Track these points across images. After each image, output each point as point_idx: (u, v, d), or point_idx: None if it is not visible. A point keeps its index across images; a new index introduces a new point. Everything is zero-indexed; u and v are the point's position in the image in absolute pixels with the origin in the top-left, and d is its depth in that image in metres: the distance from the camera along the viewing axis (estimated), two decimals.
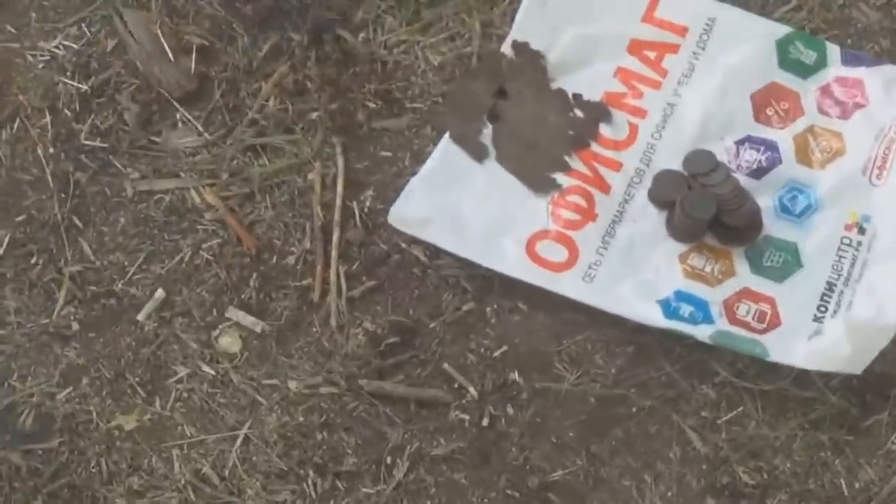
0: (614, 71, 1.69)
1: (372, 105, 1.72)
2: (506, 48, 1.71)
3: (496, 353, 1.58)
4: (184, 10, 1.80)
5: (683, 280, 1.57)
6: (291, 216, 1.67)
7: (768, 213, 1.59)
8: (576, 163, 1.64)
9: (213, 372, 1.60)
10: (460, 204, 1.63)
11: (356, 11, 1.77)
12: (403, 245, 1.64)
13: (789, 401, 1.52)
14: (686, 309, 1.55)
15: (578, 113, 1.67)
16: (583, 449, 1.53)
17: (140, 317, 1.64)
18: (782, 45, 1.67)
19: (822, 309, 1.54)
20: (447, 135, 1.67)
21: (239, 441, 1.57)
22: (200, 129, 1.73)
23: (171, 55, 1.76)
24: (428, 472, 1.54)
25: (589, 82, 1.69)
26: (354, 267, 1.63)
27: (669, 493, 1.51)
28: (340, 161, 1.68)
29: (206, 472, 1.56)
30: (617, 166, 1.63)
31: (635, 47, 1.71)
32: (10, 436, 1.59)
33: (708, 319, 1.54)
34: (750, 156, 1.62)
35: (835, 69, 1.66)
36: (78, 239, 1.69)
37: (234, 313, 1.63)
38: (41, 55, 1.80)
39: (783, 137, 1.63)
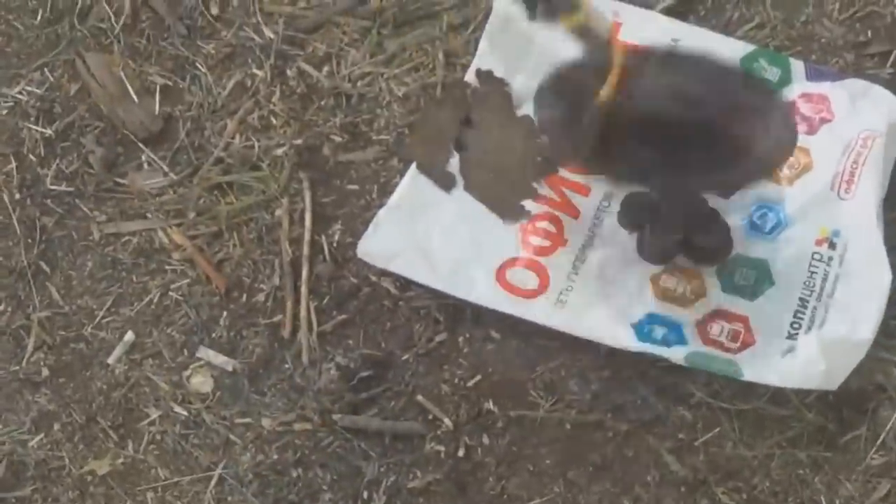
0: None
1: (338, 138, 1.72)
2: (470, 77, 1.71)
3: (470, 383, 1.56)
4: (146, 51, 1.80)
5: (656, 302, 1.56)
6: (260, 253, 1.66)
7: (738, 231, 1.58)
8: (544, 189, 1.63)
9: (185, 413, 1.59)
10: (429, 234, 1.62)
11: (319, 45, 1.76)
12: (373, 278, 1.63)
13: (766, 419, 1.51)
14: (659, 331, 1.54)
15: (545, 138, 1.66)
16: (560, 476, 1.52)
17: (110, 360, 1.63)
18: (746, 63, 1.67)
19: (796, 325, 1.52)
20: (414, 165, 1.66)
21: (213, 482, 1.56)
22: (166, 169, 1.72)
23: (134, 96, 1.76)
24: None
25: None
26: (325, 301, 1.62)
27: None
28: (308, 196, 1.68)
29: None
30: (585, 191, 1.63)
31: None
32: None
33: (681, 341, 1.53)
34: None
35: (799, 85, 1.66)
36: (46, 284, 1.68)
37: (205, 353, 1.62)
38: (4, 101, 1.80)
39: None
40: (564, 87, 1.45)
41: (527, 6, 1.38)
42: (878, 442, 1.49)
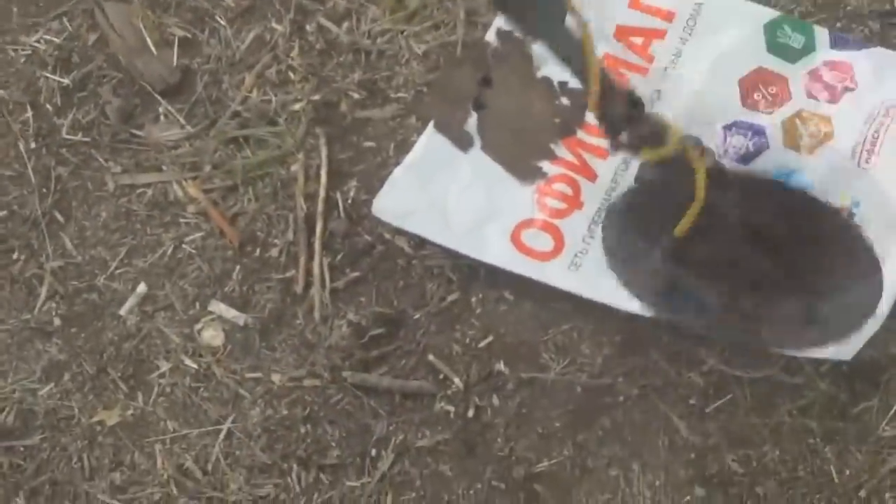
0: (601, 57, 1.66)
1: (356, 95, 1.70)
2: (490, 36, 1.69)
3: (481, 344, 1.56)
4: (165, 2, 1.79)
5: None
6: (274, 208, 1.65)
7: None
8: (562, 151, 1.62)
9: (195, 366, 1.59)
10: (445, 194, 1.61)
11: (339, 0, 1.75)
12: (388, 236, 1.62)
13: (778, 388, 1.50)
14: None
15: (564, 101, 1.65)
16: (569, 439, 1.51)
17: (122, 311, 1.62)
18: (770, 30, 1.65)
19: None
20: (431, 124, 1.65)
21: (222, 435, 1.56)
22: (183, 121, 1.71)
23: (153, 48, 1.75)
24: (413, 465, 1.52)
25: None
26: (338, 258, 1.62)
27: (657, 483, 1.49)
28: (324, 152, 1.67)
29: (188, 466, 1.55)
30: (603, 154, 1.61)
31: (622, 33, 1.68)
32: None
33: None
34: (737, 141, 1.59)
35: (823, 53, 1.64)
36: (59, 234, 1.67)
37: (217, 307, 1.61)
38: (22, 49, 1.79)
39: (771, 122, 1.60)
40: (636, 211, 1.44)
41: (608, 132, 1.36)
42: (891, 413, 1.48)
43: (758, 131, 1.60)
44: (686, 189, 1.36)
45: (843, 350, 1.45)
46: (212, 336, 1.60)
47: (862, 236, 1.47)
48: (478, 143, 1.64)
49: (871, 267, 1.45)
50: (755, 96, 1.62)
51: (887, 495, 1.45)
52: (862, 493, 1.45)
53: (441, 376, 1.55)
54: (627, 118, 1.35)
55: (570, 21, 1.33)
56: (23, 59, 1.78)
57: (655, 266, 1.42)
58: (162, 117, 1.72)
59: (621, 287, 1.49)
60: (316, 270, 1.60)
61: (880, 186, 1.55)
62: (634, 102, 1.37)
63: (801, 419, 1.49)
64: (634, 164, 1.59)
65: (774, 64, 1.64)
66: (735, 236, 1.39)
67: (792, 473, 1.47)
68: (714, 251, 1.39)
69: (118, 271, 1.64)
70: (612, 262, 1.51)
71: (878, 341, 1.47)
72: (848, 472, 1.46)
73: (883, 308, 1.46)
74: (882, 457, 1.46)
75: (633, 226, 1.47)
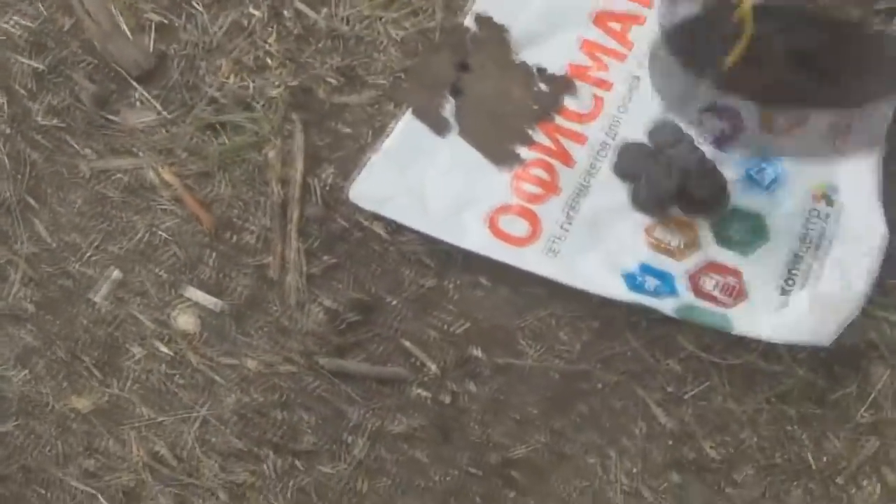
0: (579, 43, 1.66)
1: (333, 81, 1.69)
2: (469, 22, 1.69)
3: (458, 329, 1.55)
4: None
5: (648, 253, 1.54)
6: (250, 194, 1.64)
7: (735, 184, 1.56)
8: (539, 136, 1.61)
9: (170, 352, 1.57)
10: (422, 179, 1.60)
11: None
12: (364, 221, 1.61)
13: (756, 374, 1.49)
14: (651, 282, 1.52)
15: (542, 86, 1.64)
16: (546, 425, 1.50)
17: (96, 297, 1.61)
18: None
19: (790, 282, 1.51)
20: (409, 110, 1.64)
21: (196, 421, 1.55)
22: (158, 107, 1.70)
23: (128, 33, 1.74)
24: (388, 451, 1.51)
25: (553, 55, 1.66)
26: (314, 244, 1.61)
27: (634, 469, 1.48)
28: (300, 138, 1.66)
29: (162, 453, 1.54)
30: (581, 139, 1.60)
31: (601, 19, 1.67)
32: None
33: (673, 293, 1.51)
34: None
35: None
36: (33, 220, 1.66)
37: (192, 292, 1.60)
38: None
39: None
40: (682, 49, 1.42)
41: None
42: (868, 400, 1.48)
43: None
44: (729, 22, 1.35)
45: (822, 336, 1.45)
46: (186, 322, 1.59)
47: None
48: (455, 128, 1.63)
49: None
50: None
51: (865, 482, 1.45)
52: (839, 480, 1.45)
53: (417, 362, 1.54)
54: None
55: None
56: None
57: (705, 98, 1.40)
58: (137, 103, 1.71)
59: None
60: (291, 256, 1.59)
61: (857, 172, 1.56)
62: None
63: (778, 405, 1.48)
64: (613, 150, 1.58)
65: None
66: (779, 63, 1.38)
67: (769, 460, 1.47)
68: (760, 79, 1.38)
69: (92, 257, 1.63)
70: (662, 97, 1.48)
71: (857, 327, 1.46)
72: (825, 458, 1.46)
73: (861, 292, 1.45)
74: (860, 443, 1.46)
75: (681, 60, 1.44)
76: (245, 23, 1.74)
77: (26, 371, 1.59)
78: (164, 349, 1.58)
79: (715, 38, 1.37)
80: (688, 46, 1.45)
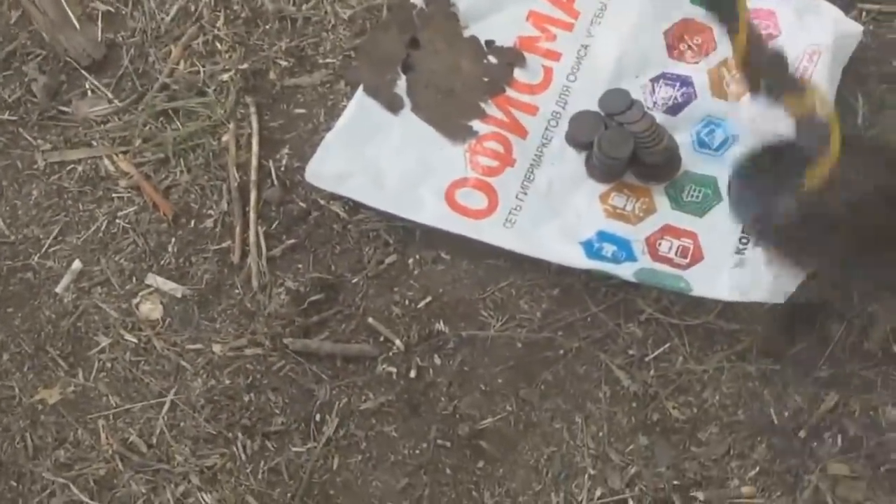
0: (526, 15, 1.67)
1: (284, 63, 1.70)
2: None
3: (420, 304, 1.56)
4: None
5: (605, 220, 1.56)
6: (207, 179, 1.65)
7: (686, 148, 1.58)
8: (492, 109, 1.62)
9: (135, 340, 1.58)
10: (377, 157, 1.62)
11: None
12: (322, 202, 1.62)
13: (715, 334, 1.52)
14: (609, 248, 1.54)
15: (492, 59, 1.65)
16: (512, 394, 1.52)
17: (58, 289, 1.62)
18: None
19: (744, 241, 1.53)
20: (361, 88, 1.66)
21: (165, 408, 1.56)
22: (110, 96, 1.71)
23: (76, 23, 1.74)
24: (358, 427, 1.53)
25: (501, 28, 1.67)
26: (274, 226, 1.62)
27: (601, 433, 1.50)
28: (254, 121, 1.67)
29: (133, 440, 1.55)
30: (533, 110, 1.62)
31: None
32: None
33: (631, 258, 1.53)
34: (665, 92, 1.61)
35: (746, 1, 1.65)
36: None
37: (154, 280, 1.61)
38: None
39: (697, 72, 1.62)
40: (766, 164, 1.43)
41: (751, 78, 1.36)
42: (826, 354, 1.50)
43: (685, 82, 1.61)
44: (821, 147, 1.36)
45: (777, 293, 1.47)
46: (150, 309, 1.59)
47: None
48: (408, 104, 1.64)
49: None
50: (681, 47, 1.64)
51: (826, 434, 1.47)
52: (801, 434, 1.47)
53: (382, 338, 1.56)
54: (772, 64, 1.35)
55: None
56: None
57: (780, 215, 1.41)
58: (89, 93, 1.71)
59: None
60: (252, 239, 1.61)
61: None
62: (779, 54, 1.37)
63: (738, 363, 1.51)
64: (565, 119, 1.60)
65: (698, 14, 1.65)
66: (863, 198, 1.39)
67: (732, 417, 1.49)
68: (840, 208, 1.39)
69: (52, 249, 1.64)
70: (740, 212, 1.51)
71: (812, 283, 1.48)
72: (787, 413, 1.49)
73: None
74: (820, 397, 1.48)
75: (761, 177, 1.45)
76: (192, 8, 1.75)
77: None
78: (129, 337, 1.59)
79: (801, 159, 1.37)
80: (772, 163, 1.46)
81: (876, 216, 1.38)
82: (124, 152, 1.67)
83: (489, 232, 1.56)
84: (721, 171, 1.57)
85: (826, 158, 1.34)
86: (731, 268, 1.52)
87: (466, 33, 1.68)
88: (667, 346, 1.52)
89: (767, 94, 1.36)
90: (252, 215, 1.61)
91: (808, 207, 1.37)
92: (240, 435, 1.54)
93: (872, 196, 1.39)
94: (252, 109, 1.67)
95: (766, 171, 1.44)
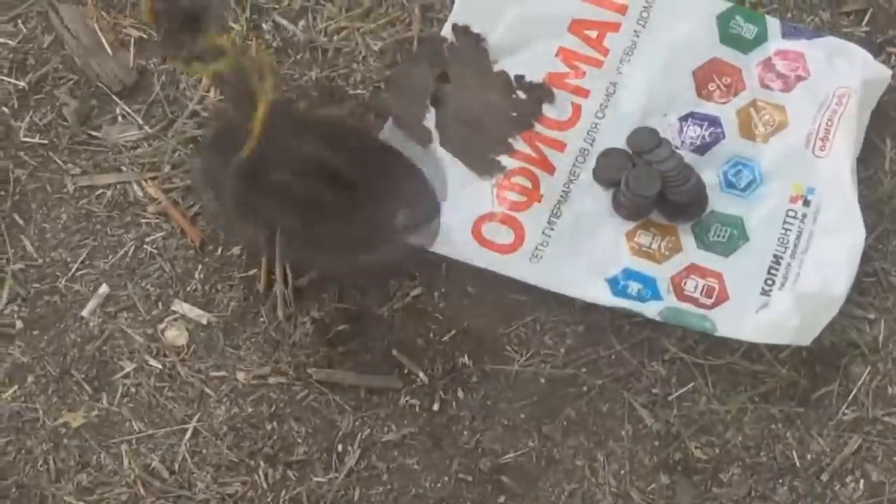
0: (556, 51, 1.68)
1: (313, 93, 1.70)
2: (446, 32, 1.70)
3: (445, 338, 1.57)
4: (120, 3, 1.78)
5: (631, 258, 1.56)
6: None
7: (713, 188, 1.59)
8: (520, 144, 1.63)
9: (160, 366, 1.59)
10: None
11: None
12: None
13: (739, 375, 1.52)
14: (634, 286, 1.54)
15: (521, 94, 1.66)
16: (534, 430, 1.53)
17: (84, 313, 1.62)
18: (723, 20, 1.67)
19: (770, 282, 1.53)
20: (390, 120, 1.66)
21: (188, 434, 1.56)
22: (141, 122, 1.71)
23: (108, 49, 1.74)
24: (380, 459, 1.53)
25: (531, 63, 1.68)
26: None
27: (622, 471, 1.50)
28: None
29: (155, 466, 1.55)
30: (561, 146, 1.62)
31: (576, 27, 1.69)
32: None
33: (656, 296, 1.54)
34: (693, 132, 1.61)
35: (775, 43, 1.66)
36: (20, 237, 1.66)
37: (180, 306, 1.61)
38: None
39: (726, 112, 1.62)
40: (224, 139, 1.45)
41: (165, 42, 1.35)
42: (850, 397, 1.51)
43: (713, 122, 1.62)
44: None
45: (803, 336, 1.47)
46: (175, 336, 1.60)
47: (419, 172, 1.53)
48: (436, 138, 1.64)
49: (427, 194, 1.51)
50: (710, 87, 1.64)
51: (849, 478, 1.48)
52: (824, 477, 1.48)
53: (406, 371, 1.56)
54: (184, 29, 1.34)
55: None
56: None
57: (231, 187, 1.42)
58: (119, 118, 1.72)
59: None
60: (278, 268, 1.60)
61: (834, 174, 1.58)
62: (193, 15, 1.35)
63: (762, 405, 1.51)
64: (592, 156, 1.61)
65: (728, 55, 1.66)
66: (307, 171, 1.41)
67: (754, 459, 1.49)
68: (284, 181, 1.40)
69: (79, 273, 1.64)
70: (196, 192, 1.54)
71: (837, 326, 1.49)
72: (809, 456, 1.49)
73: (841, 292, 1.48)
74: (843, 440, 1.49)
75: (216, 150, 1.46)
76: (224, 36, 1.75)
77: (16, 387, 1.60)
78: (153, 363, 1.59)
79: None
80: (225, 135, 1.46)
81: (306, 187, 1.39)
82: (153, 178, 1.67)
83: (515, 267, 1.57)
84: (747, 211, 1.58)
85: (255, 121, 1.33)
86: (757, 309, 1.52)
87: (496, 68, 1.68)
88: (690, 385, 1.53)
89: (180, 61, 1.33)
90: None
91: (247, 169, 1.37)
92: (262, 463, 1.54)
93: (303, 165, 1.39)
94: None
95: (222, 145, 1.44)
